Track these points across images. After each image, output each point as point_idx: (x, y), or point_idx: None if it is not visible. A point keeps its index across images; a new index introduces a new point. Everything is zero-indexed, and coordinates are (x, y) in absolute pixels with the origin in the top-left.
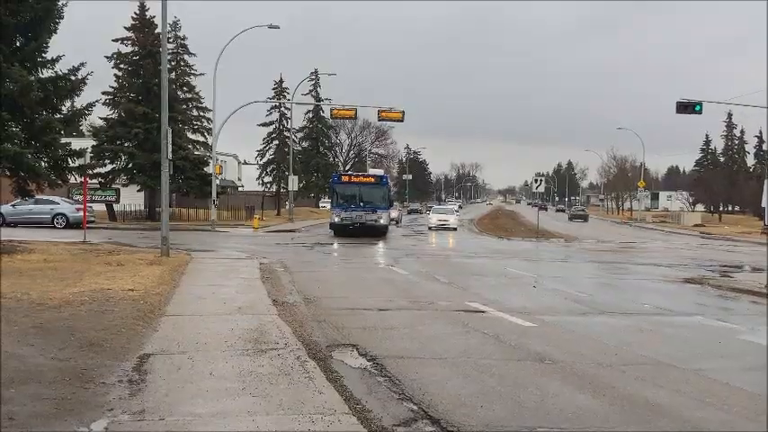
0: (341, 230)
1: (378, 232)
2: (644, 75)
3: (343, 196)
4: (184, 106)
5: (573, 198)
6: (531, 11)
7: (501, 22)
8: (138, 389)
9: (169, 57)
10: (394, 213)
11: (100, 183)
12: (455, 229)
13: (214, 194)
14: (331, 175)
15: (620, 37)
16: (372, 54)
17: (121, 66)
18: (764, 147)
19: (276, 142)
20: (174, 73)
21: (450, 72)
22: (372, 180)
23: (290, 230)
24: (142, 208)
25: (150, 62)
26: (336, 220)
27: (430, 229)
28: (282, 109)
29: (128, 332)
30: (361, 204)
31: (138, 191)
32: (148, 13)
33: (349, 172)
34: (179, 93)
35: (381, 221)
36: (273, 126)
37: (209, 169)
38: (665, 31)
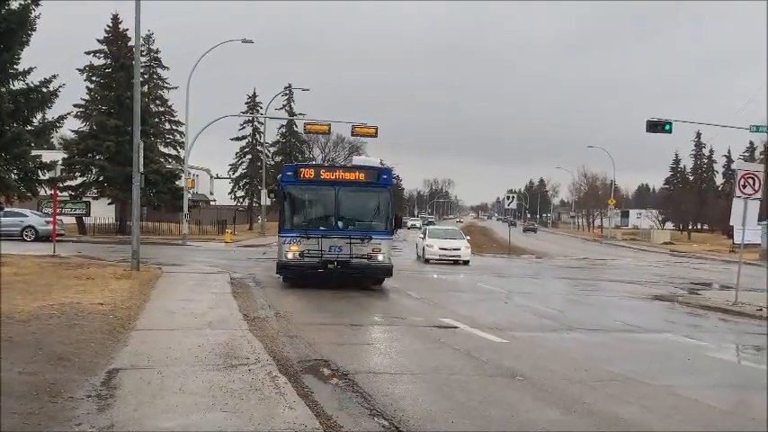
0: (299, 277)
1: (372, 278)
2: (616, 93)
3: (303, 209)
4: (157, 120)
5: (545, 215)
6: (508, 30)
7: (476, 40)
8: (106, 404)
9: (142, 70)
10: None
11: (70, 195)
12: (467, 262)
13: (186, 208)
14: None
15: (593, 56)
16: (347, 69)
17: (94, 78)
18: (732, 166)
19: (249, 156)
20: (146, 86)
21: (426, 88)
22: (363, 177)
23: (262, 245)
24: (113, 221)
25: (123, 75)
26: (289, 256)
27: (426, 261)
28: (256, 123)
29: (97, 346)
30: (340, 224)
31: (108, 204)
32: (122, 26)
33: (316, 163)
34: (152, 106)
35: (380, 258)
36: (246, 140)
37: (181, 183)
38: (637, 52)
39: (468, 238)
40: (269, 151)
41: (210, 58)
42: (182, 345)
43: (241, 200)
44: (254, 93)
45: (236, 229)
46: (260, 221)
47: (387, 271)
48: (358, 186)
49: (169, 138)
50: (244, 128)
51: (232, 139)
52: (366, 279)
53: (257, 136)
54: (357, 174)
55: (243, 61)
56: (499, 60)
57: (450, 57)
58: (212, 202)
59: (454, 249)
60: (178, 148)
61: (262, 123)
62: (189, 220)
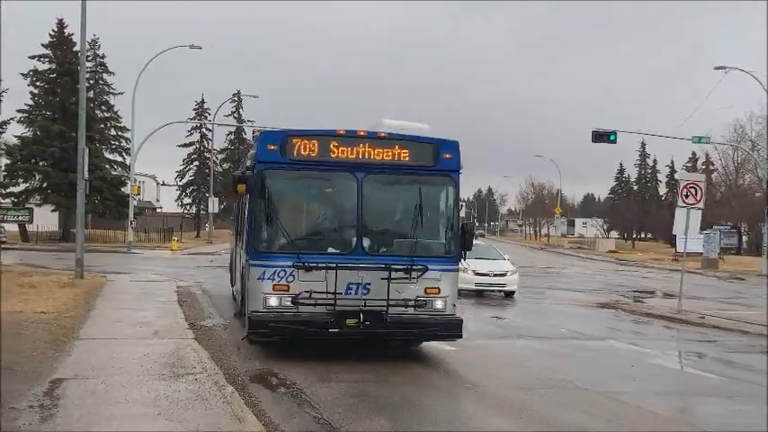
0: (278, 335)
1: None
2: (564, 105)
3: (297, 213)
4: (102, 125)
5: (493, 223)
6: (460, 39)
7: (426, 47)
8: (49, 414)
9: (87, 75)
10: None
11: (13, 202)
12: (512, 293)
13: (131, 215)
14: (257, 145)
15: (538, 67)
16: (299, 74)
17: (38, 83)
18: (675, 176)
19: (196, 163)
20: (92, 91)
21: (375, 95)
22: (407, 156)
23: (210, 253)
24: (56, 229)
25: (68, 80)
26: (273, 303)
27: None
28: (203, 130)
29: (39, 356)
30: (367, 243)
31: (52, 211)
32: (67, 31)
33: (320, 130)
34: (97, 112)
35: (438, 305)
36: (194, 147)
37: (127, 190)
38: (582, 65)
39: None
40: (217, 158)
41: (158, 65)
42: (127, 354)
43: (188, 207)
44: (203, 99)
45: (183, 236)
46: (207, 229)
47: (452, 328)
48: (399, 172)
49: (115, 144)
50: (191, 134)
51: (179, 146)
52: (414, 339)
53: (205, 143)
54: (397, 149)
55: (191, 68)
56: (450, 72)
57: (401, 62)
58: (159, 210)
59: (498, 275)
60: (124, 154)
61: (210, 130)
62: (135, 228)
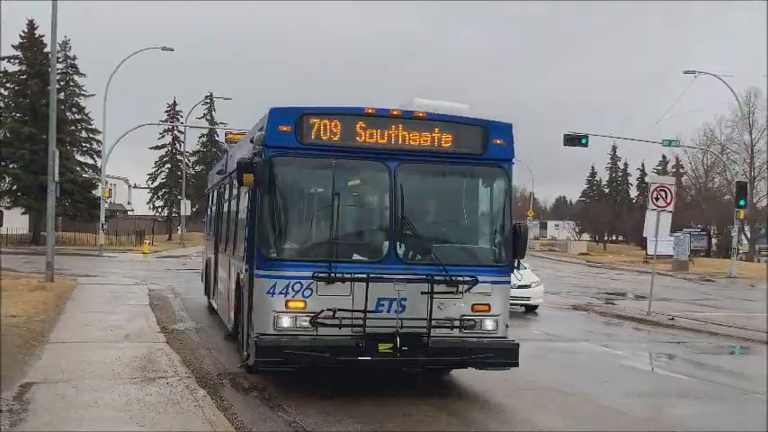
0: (293, 364)
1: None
2: (534, 108)
3: (315, 211)
4: (73, 128)
5: None
6: (435, 40)
7: (397, 47)
8: (19, 418)
9: (58, 77)
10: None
11: None
12: (536, 307)
13: (102, 218)
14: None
15: (512, 71)
16: (271, 76)
17: (8, 85)
18: (646, 179)
19: (168, 166)
20: (62, 93)
21: (346, 95)
22: (450, 141)
23: (182, 256)
24: (26, 231)
25: (38, 82)
26: (285, 323)
27: None
28: (175, 132)
29: (9, 360)
30: (401, 249)
31: (22, 214)
32: (37, 32)
33: (341, 107)
34: (68, 114)
35: (488, 326)
36: (166, 149)
37: (98, 192)
38: (558, 67)
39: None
40: (189, 161)
41: (130, 67)
42: (98, 358)
43: (160, 210)
44: (175, 101)
45: (155, 239)
46: (180, 232)
47: (506, 354)
48: (440, 161)
49: (86, 146)
50: (163, 136)
51: (151, 148)
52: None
53: (177, 145)
54: (438, 133)
55: (163, 70)
56: (423, 73)
57: (373, 65)
58: (130, 212)
59: (521, 287)
60: (95, 156)
61: (182, 132)
62: (106, 231)
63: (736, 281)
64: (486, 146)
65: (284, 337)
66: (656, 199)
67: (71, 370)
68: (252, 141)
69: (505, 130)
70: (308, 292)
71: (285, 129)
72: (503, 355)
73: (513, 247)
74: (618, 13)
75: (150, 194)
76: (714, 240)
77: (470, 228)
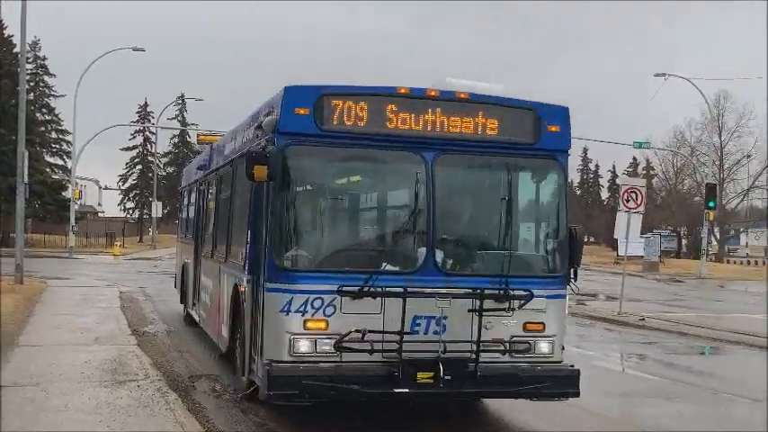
0: (315, 396)
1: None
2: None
3: (338, 212)
4: (43, 128)
5: None
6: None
7: (379, 50)
8: None
9: (28, 77)
10: None
11: None
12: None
13: (72, 220)
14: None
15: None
16: (244, 78)
17: None
18: (617, 181)
19: (140, 167)
20: (32, 94)
21: None
22: (496, 128)
23: (154, 258)
24: None
25: (7, 82)
26: (303, 348)
27: None
28: (147, 133)
29: None
30: (439, 257)
31: None
32: (6, 32)
33: (369, 87)
34: (38, 114)
35: (544, 348)
36: (137, 150)
37: (68, 194)
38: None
39: None
40: (160, 162)
41: (101, 67)
42: (68, 361)
43: (131, 211)
44: (146, 102)
45: (126, 241)
46: (151, 233)
47: (564, 382)
48: (485, 152)
49: (56, 147)
50: (134, 137)
51: (122, 149)
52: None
53: (148, 146)
54: (482, 118)
55: (135, 70)
56: (423, 72)
57: (373, 65)
58: (101, 214)
59: None
60: (65, 157)
61: (153, 133)
62: (76, 233)
63: (706, 281)
64: (539, 133)
65: (302, 364)
66: (627, 200)
67: (40, 373)
68: (258, 128)
69: (561, 114)
70: (330, 310)
71: (302, 112)
72: (561, 384)
73: (570, 254)
74: (618, 13)
75: (121, 196)
76: (684, 241)
77: (519, 232)
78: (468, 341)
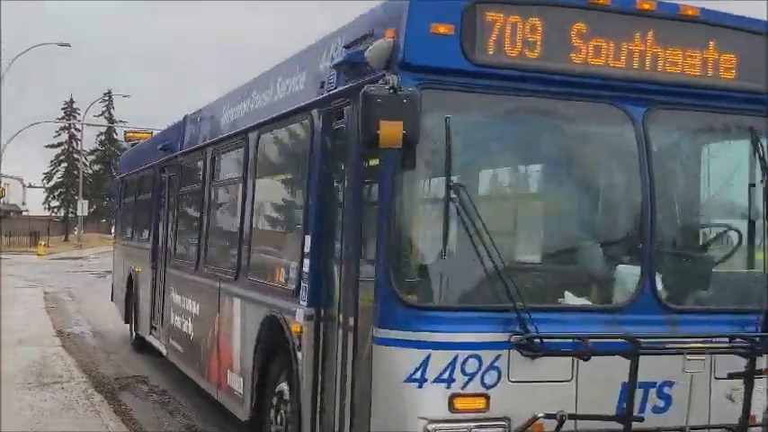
0: None
1: None
2: None
3: (496, 210)
4: None
5: None
6: None
7: None
8: None
9: None
10: None
11: None
12: None
13: None
14: None
15: None
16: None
17: None
18: None
19: (65, 165)
20: None
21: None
22: (732, 72)
23: (79, 258)
24: None
25: None
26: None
27: None
28: (72, 130)
29: None
30: (660, 285)
31: None
32: None
33: None
34: None
35: None
36: (62, 148)
37: None
38: None
39: None
40: (86, 159)
41: (26, 62)
42: None
43: (56, 210)
44: (71, 98)
45: (51, 240)
46: (77, 233)
47: None
48: (720, 106)
49: None
50: (59, 135)
51: (47, 147)
52: None
53: (74, 143)
54: (715, 51)
55: (61, 66)
56: None
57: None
58: (25, 213)
59: None
60: None
61: (79, 130)
62: None
63: None
64: None
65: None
66: None
67: None
68: (345, 63)
69: None
70: (492, 377)
71: (443, 30)
72: None
73: None
74: None
75: (46, 194)
76: None
77: None
78: (723, 427)
